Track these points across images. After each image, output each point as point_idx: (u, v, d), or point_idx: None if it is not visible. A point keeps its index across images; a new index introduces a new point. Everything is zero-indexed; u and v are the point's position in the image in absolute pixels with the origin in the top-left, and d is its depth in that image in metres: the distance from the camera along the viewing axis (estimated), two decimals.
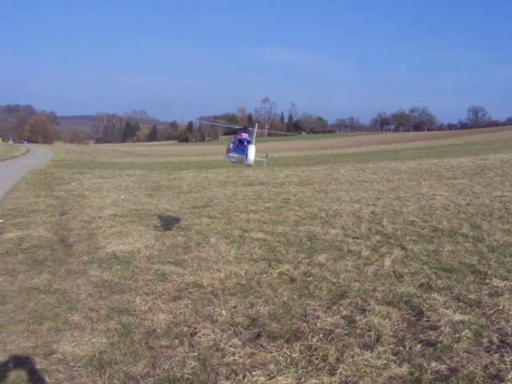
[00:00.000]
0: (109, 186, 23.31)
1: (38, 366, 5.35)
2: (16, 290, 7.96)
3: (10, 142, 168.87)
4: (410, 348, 5.47)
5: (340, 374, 4.92)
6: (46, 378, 5.07)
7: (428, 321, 6.28)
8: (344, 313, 6.58)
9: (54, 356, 5.61)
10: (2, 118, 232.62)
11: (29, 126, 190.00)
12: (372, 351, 5.38)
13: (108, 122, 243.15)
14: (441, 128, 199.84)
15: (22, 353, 5.67)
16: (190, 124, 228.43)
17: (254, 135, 9.39)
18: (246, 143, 9.44)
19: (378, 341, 5.75)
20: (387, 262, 8.83)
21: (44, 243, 11.26)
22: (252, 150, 8.98)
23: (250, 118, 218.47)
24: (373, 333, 5.91)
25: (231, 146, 9.96)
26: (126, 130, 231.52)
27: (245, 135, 9.70)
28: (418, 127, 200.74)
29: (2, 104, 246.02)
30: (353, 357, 5.25)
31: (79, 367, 5.34)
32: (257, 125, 9.64)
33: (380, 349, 5.44)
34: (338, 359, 5.26)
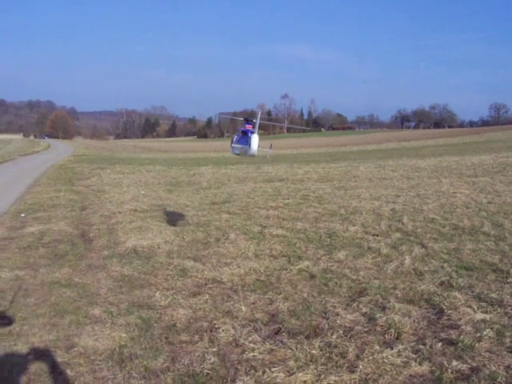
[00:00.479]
0: (128, 182, 23.44)
1: (59, 359, 5.39)
2: (38, 284, 8.04)
3: (31, 137, 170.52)
4: (431, 346, 5.43)
5: (360, 371, 4.90)
6: (68, 371, 5.11)
7: (449, 319, 6.23)
8: (364, 310, 6.55)
9: (75, 349, 5.65)
10: (23, 113, 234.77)
11: (49, 122, 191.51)
12: (392, 349, 5.35)
13: (128, 118, 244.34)
14: (462, 125, 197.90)
15: (44, 345, 5.72)
16: (209, 120, 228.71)
17: (257, 125, 9.49)
18: (249, 134, 9.48)
19: (397, 339, 5.72)
20: (407, 259, 8.77)
21: (65, 238, 11.36)
22: (255, 140, 9.14)
23: (269, 114, 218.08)
24: (393, 330, 5.87)
25: (235, 138, 10.02)
26: (146, 126, 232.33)
27: (248, 126, 9.71)
28: (438, 124, 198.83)
29: (24, 100, 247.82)
30: (373, 354, 5.23)
31: (100, 361, 5.38)
32: (259, 115, 9.78)
33: (400, 347, 5.40)
34: (357, 356, 5.23)
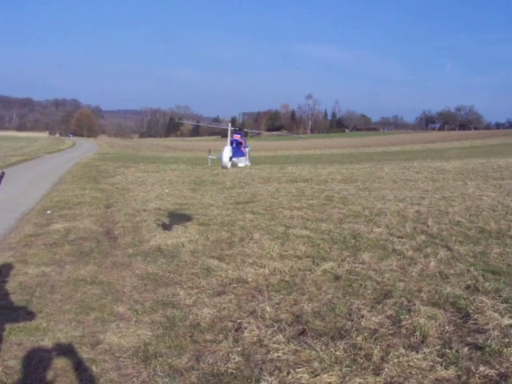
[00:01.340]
0: (153, 180, 23.61)
1: (85, 356, 5.43)
2: (63, 281, 8.12)
3: (57, 135, 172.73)
4: (457, 351, 5.35)
5: (385, 374, 4.85)
6: (93, 368, 5.15)
7: (475, 324, 6.15)
8: (389, 312, 6.49)
9: (101, 346, 5.69)
10: (49, 111, 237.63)
11: (75, 120, 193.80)
12: (417, 352, 5.29)
13: (152, 117, 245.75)
14: (488, 127, 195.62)
15: (69, 341, 5.78)
16: (233, 119, 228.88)
17: (229, 136, 9.20)
18: (234, 145, 9.30)
19: (423, 342, 5.65)
20: (432, 262, 8.68)
21: (90, 235, 11.47)
22: (226, 152, 8.92)
23: (293, 114, 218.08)
24: (418, 333, 5.81)
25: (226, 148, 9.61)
26: (170, 125, 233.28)
27: (236, 136, 9.53)
28: (464, 126, 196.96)
29: (50, 98, 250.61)
30: (398, 357, 5.17)
31: (125, 358, 5.41)
32: (229, 128, 9.40)
33: (425, 350, 5.34)
34: (382, 359, 5.19)
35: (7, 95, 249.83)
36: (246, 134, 10.13)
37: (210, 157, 9.79)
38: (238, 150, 9.56)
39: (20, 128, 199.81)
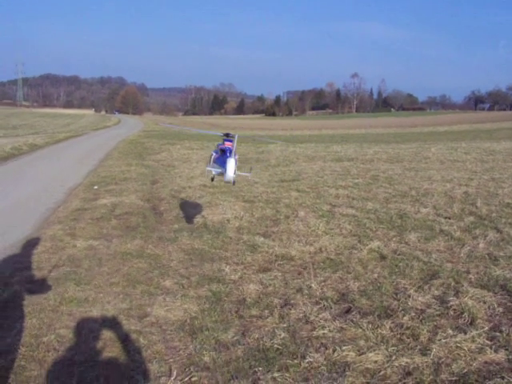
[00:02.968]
0: (197, 157, 23.72)
1: (132, 327, 5.52)
2: (111, 254, 8.25)
3: (103, 112, 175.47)
4: (508, 334, 5.24)
5: (433, 354, 4.79)
6: (141, 339, 5.23)
7: None
8: (436, 293, 6.40)
9: (148, 319, 5.78)
10: (95, 89, 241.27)
11: (120, 97, 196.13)
12: (466, 334, 5.20)
13: (196, 95, 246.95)
14: None
15: (117, 313, 5.88)
16: (278, 98, 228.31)
17: (235, 145, 8.26)
18: (227, 154, 8.39)
19: (471, 324, 5.55)
20: (481, 244, 8.51)
21: (136, 210, 11.59)
22: (231, 165, 7.91)
23: (338, 93, 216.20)
24: (466, 315, 5.71)
25: (214, 155, 8.74)
26: (214, 103, 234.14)
27: (228, 144, 8.66)
28: None
29: (96, 76, 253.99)
30: (445, 338, 5.10)
31: (171, 331, 5.48)
32: (237, 136, 8.42)
33: (474, 332, 5.24)
34: (430, 339, 5.12)
35: (55, 73, 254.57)
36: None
37: (208, 168, 8.99)
38: (231, 158, 8.35)
39: (67, 105, 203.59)
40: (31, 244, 8.81)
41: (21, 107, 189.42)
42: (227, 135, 8.79)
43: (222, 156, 8.38)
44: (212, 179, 9.01)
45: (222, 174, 8.22)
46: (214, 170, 8.51)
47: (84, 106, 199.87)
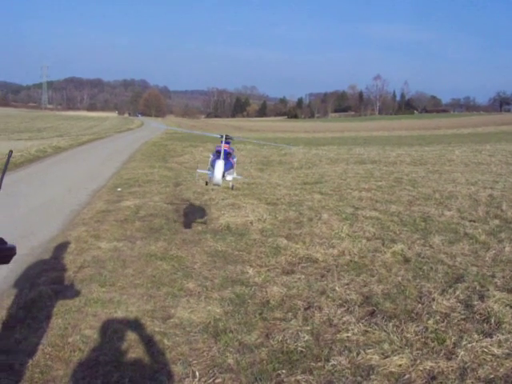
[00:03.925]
0: None
1: (156, 329, 5.54)
2: (135, 256, 8.30)
3: (126, 115, 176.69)
4: None
5: (458, 359, 4.75)
6: (165, 341, 5.25)
7: None
8: (461, 297, 6.33)
9: (172, 320, 5.79)
10: (118, 92, 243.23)
11: (143, 100, 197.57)
12: (492, 338, 5.13)
13: (219, 97, 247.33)
14: None
15: (142, 315, 5.91)
16: (300, 100, 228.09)
17: (222, 147, 8.15)
18: (225, 156, 8.27)
19: (498, 328, 5.47)
20: (507, 247, 8.41)
21: (159, 212, 11.65)
22: (219, 167, 7.81)
23: (360, 95, 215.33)
24: (492, 320, 5.64)
25: (212, 158, 8.65)
26: (236, 106, 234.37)
27: (225, 146, 8.49)
28: None
29: (119, 79, 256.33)
30: (471, 342, 5.04)
31: (195, 333, 5.48)
32: (224, 136, 8.33)
33: (501, 337, 5.17)
34: (455, 344, 5.06)
35: (78, 76, 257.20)
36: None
37: (198, 171, 9.14)
38: (226, 161, 8.44)
39: (90, 108, 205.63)
40: (57, 245, 8.91)
41: (45, 110, 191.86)
42: (227, 137, 8.68)
43: (218, 158, 8.26)
44: (206, 183, 8.86)
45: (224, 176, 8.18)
46: (208, 173, 8.48)
47: (107, 109, 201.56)
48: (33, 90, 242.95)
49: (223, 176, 8.05)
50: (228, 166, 8.44)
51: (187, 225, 10.46)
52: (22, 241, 9.14)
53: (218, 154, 8.40)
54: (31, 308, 6.08)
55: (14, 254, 2.82)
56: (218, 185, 8.17)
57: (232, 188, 9.56)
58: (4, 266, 7.40)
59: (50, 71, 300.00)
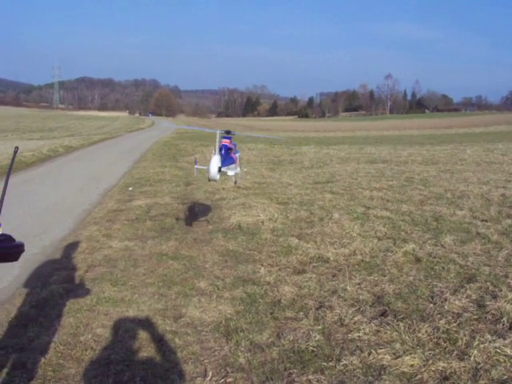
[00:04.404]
0: None
1: (168, 328, 5.55)
2: (146, 255, 8.32)
3: (136, 114, 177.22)
4: None
5: (471, 360, 4.72)
6: (176, 340, 5.26)
7: None
8: (473, 297, 6.28)
9: (183, 319, 5.80)
10: (129, 91, 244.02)
11: (154, 100, 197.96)
12: (505, 339, 5.09)
13: (229, 97, 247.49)
14: None
15: (153, 314, 5.92)
16: (311, 100, 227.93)
17: (218, 142, 8.17)
18: (223, 151, 8.40)
19: (510, 329, 5.45)
20: None
21: (170, 212, 11.68)
22: (215, 162, 7.84)
23: (371, 94, 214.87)
24: (505, 320, 5.59)
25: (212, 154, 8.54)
26: (247, 105, 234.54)
27: (225, 141, 8.59)
28: None
29: (130, 78, 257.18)
30: (484, 343, 5.00)
31: (207, 332, 5.49)
32: (218, 132, 8.34)
33: None
34: (467, 344, 5.03)
35: (90, 76, 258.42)
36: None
37: (196, 167, 9.07)
38: (227, 156, 8.53)
39: (101, 108, 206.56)
40: (68, 244, 8.95)
41: (57, 110, 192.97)
42: (228, 132, 8.84)
43: (225, 154, 8.41)
44: (209, 179, 8.54)
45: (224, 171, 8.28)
46: (205, 168, 8.37)
47: (118, 109, 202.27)
48: (44, 90, 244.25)
49: (219, 171, 8.04)
50: (228, 162, 8.50)
51: (192, 223, 10.46)
52: (34, 240, 9.22)
53: (224, 150, 8.52)
54: (43, 306, 6.11)
55: (23, 250, 2.83)
56: (214, 180, 8.10)
57: (235, 183, 9.60)
58: (16, 265, 7.48)
59: (62, 71, 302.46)
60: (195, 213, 11.58)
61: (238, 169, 9.35)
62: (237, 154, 9.15)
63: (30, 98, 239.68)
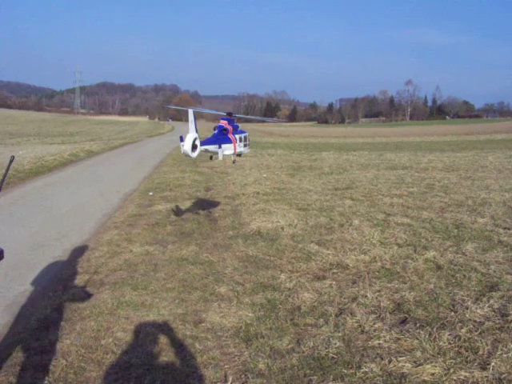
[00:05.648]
0: (251, 165, 23.79)
1: (188, 333, 5.57)
2: (166, 260, 8.36)
3: (156, 119, 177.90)
4: None
5: (493, 369, 4.66)
6: (196, 344, 5.27)
7: None
8: (495, 305, 6.21)
9: (203, 325, 5.82)
10: (149, 96, 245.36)
11: (174, 105, 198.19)
12: None
13: (249, 102, 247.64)
14: None
15: (173, 318, 5.94)
16: (330, 105, 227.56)
17: (192, 122, 8.19)
18: (217, 131, 8.76)
19: None
20: None
21: (190, 217, 11.70)
22: (189, 138, 7.98)
23: (391, 100, 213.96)
24: None
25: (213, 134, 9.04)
26: (267, 110, 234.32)
27: (223, 122, 8.85)
28: None
29: (150, 84, 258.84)
30: (506, 353, 4.94)
31: (226, 337, 5.50)
32: (190, 111, 8.23)
33: None
34: (489, 353, 4.98)
35: (111, 81, 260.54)
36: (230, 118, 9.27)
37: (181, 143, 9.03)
38: (223, 137, 8.85)
39: (122, 113, 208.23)
40: (89, 248, 9.02)
41: (78, 115, 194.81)
42: (229, 114, 9.10)
43: (217, 135, 8.81)
44: (210, 157, 9.15)
45: (214, 151, 8.67)
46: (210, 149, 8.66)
47: (138, 114, 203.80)
48: (66, 95, 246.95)
49: (195, 148, 8.14)
50: (224, 141, 8.81)
51: (212, 229, 10.49)
52: (56, 243, 9.31)
53: (218, 130, 8.88)
54: (65, 310, 6.16)
55: (1, 258, 2.86)
56: (187, 155, 8.09)
57: (234, 162, 9.72)
58: (37, 267, 7.57)
59: (83, 76, 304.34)
60: (215, 218, 11.59)
61: (245, 148, 9.68)
62: (243, 135, 9.45)
63: (51, 102, 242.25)
